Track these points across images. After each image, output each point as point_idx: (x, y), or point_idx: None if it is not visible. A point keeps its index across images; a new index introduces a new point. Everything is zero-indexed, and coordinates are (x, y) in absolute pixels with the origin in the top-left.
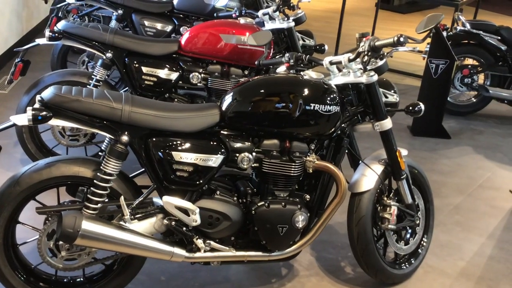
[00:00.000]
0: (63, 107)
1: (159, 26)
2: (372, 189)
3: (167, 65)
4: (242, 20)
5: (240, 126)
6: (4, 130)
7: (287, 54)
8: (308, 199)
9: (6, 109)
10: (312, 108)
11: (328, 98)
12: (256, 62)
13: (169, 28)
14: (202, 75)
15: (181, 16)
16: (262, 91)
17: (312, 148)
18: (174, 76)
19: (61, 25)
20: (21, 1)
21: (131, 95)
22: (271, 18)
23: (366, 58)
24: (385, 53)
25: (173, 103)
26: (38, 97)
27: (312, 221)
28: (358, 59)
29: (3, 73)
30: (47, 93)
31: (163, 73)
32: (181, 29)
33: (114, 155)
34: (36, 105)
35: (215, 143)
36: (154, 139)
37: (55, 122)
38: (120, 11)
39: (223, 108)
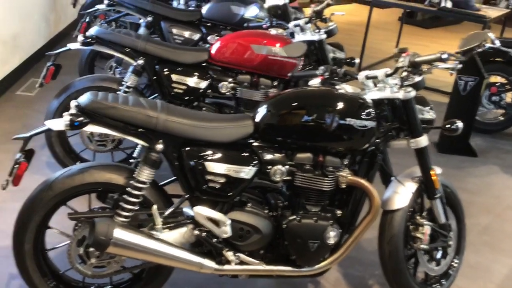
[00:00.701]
0: (99, 113)
1: (187, 34)
2: (405, 207)
3: (197, 74)
4: (273, 31)
5: (273, 138)
6: (39, 134)
7: (321, 67)
8: (339, 215)
9: (33, 112)
10: (347, 122)
11: (364, 113)
12: (289, 74)
13: (196, 36)
14: (231, 84)
15: (209, 25)
16: (297, 103)
17: (345, 163)
18: (203, 84)
19: (93, 30)
20: (49, 5)
21: (166, 104)
22: (302, 30)
23: (404, 73)
24: (424, 70)
25: (206, 113)
26: (74, 103)
27: (343, 238)
28: (395, 74)
29: (29, 75)
30: (84, 99)
31: (192, 81)
32: (208, 38)
33: (148, 163)
34: (73, 111)
35: (248, 155)
36: (187, 148)
37: (91, 128)
38: (149, 18)
39: (257, 119)
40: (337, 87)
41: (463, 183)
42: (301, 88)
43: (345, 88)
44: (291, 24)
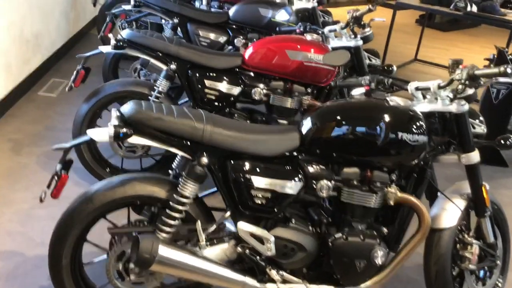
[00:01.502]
0: (144, 124)
1: (213, 36)
2: (454, 226)
3: (229, 79)
4: (308, 37)
5: (320, 152)
6: (80, 145)
7: (367, 77)
8: (385, 233)
9: (56, 114)
10: (398, 137)
11: (416, 127)
12: (332, 83)
13: (223, 39)
14: (264, 91)
15: (235, 28)
16: (346, 116)
17: (394, 178)
18: (236, 91)
19: (125, 34)
20: (70, 3)
21: (211, 115)
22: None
23: (460, 86)
24: (482, 82)
25: (252, 124)
26: (116, 112)
27: (389, 256)
28: (448, 87)
29: (50, 75)
30: (128, 109)
31: (225, 87)
32: (235, 40)
33: (192, 177)
34: (116, 121)
35: (293, 169)
36: (232, 161)
37: (134, 140)
38: (175, 20)
39: (303, 132)
40: (388, 98)
41: (496, 195)
42: (350, 100)
43: (396, 100)
44: (326, 29)
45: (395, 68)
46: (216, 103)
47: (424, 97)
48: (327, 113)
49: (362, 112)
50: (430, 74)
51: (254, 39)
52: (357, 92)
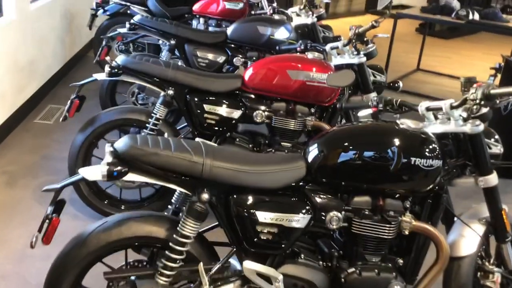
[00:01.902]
0: (140, 160)
1: (211, 56)
2: (474, 254)
3: (229, 103)
4: (309, 55)
5: (328, 180)
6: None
7: (374, 97)
8: (401, 264)
9: (53, 142)
10: (412, 162)
11: (429, 151)
12: (337, 104)
13: (222, 59)
14: (266, 113)
15: (234, 47)
16: (355, 141)
17: (407, 206)
18: (236, 114)
19: (120, 60)
20: (65, 28)
21: (211, 146)
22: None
23: (475, 107)
24: (498, 102)
25: (254, 154)
26: (110, 148)
27: None
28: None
29: (47, 102)
30: (122, 145)
31: (225, 111)
32: (234, 59)
33: (192, 215)
34: (109, 158)
35: (300, 201)
36: (235, 196)
37: (130, 177)
38: (172, 42)
39: (309, 160)
40: (398, 121)
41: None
42: (358, 123)
43: (407, 122)
44: (327, 47)
45: (401, 84)
46: (217, 128)
47: (436, 117)
48: (334, 139)
49: (372, 137)
50: (434, 84)
51: (254, 58)
52: (364, 114)
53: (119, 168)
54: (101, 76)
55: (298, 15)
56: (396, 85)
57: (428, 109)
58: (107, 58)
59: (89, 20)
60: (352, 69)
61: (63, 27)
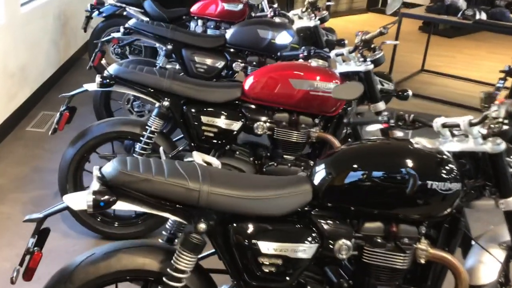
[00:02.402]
0: (129, 188)
1: (210, 61)
2: (494, 282)
3: (229, 114)
4: (313, 63)
5: (336, 205)
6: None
7: (385, 113)
8: None
9: (45, 152)
10: (429, 186)
11: (447, 173)
12: (345, 120)
13: (221, 64)
14: (267, 124)
15: (233, 51)
16: (366, 162)
17: (423, 231)
18: (236, 126)
19: (112, 69)
20: (59, 30)
21: (208, 169)
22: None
23: (498, 125)
24: None
25: (255, 176)
26: (97, 173)
27: None
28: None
29: (39, 108)
30: (110, 170)
31: (224, 122)
32: (234, 65)
33: (188, 248)
34: (96, 185)
35: (306, 228)
36: (235, 224)
37: (119, 206)
38: (169, 46)
39: (316, 182)
40: (411, 140)
41: None
42: (369, 142)
43: (422, 141)
44: (332, 54)
45: (410, 93)
46: (215, 140)
47: (452, 134)
48: (344, 159)
49: (385, 157)
50: (439, 85)
51: (254, 63)
52: (373, 128)
53: (106, 197)
54: (92, 87)
55: (300, 17)
56: (405, 94)
57: (444, 125)
58: (103, 62)
59: (84, 22)
60: (359, 77)
61: (57, 29)
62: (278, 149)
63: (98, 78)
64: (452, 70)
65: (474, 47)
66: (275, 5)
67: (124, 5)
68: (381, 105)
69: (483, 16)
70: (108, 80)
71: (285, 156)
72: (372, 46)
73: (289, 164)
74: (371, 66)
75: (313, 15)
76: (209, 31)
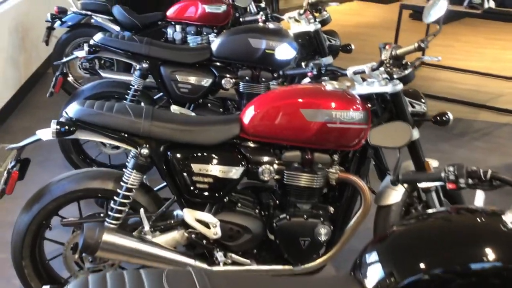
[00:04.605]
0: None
1: (194, 79)
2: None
3: (226, 158)
4: (328, 86)
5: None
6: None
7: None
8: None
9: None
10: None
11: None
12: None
13: (208, 81)
14: (275, 167)
15: (221, 65)
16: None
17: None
18: (236, 173)
19: (72, 111)
20: (17, 45)
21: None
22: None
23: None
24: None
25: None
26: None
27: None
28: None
29: (4, 131)
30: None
31: (221, 170)
32: (222, 81)
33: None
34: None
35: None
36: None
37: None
38: (145, 65)
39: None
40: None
41: None
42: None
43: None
44: (349, 71)
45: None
46: (210, 193)
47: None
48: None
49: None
50: (442, 80)
51: (246, 78)
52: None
53: (66, 127)
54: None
55: (297, 20)
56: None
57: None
58: (70, 79)
59: (45, 35)
60: (384, 99)
61: (15, 44)
62: (289, 197)
63: (53, 125)
64: (452, 61)
65: (471, 33)
66: (262, 4)
67: (89, 13)
68: (415, 134)
69: (492, 4)
70: (67, 127)
71: (298, 205)
72: (404, 62)
73: (305, 216)
74: (400, 86)
75: (312, 18)
76: (189, 38)
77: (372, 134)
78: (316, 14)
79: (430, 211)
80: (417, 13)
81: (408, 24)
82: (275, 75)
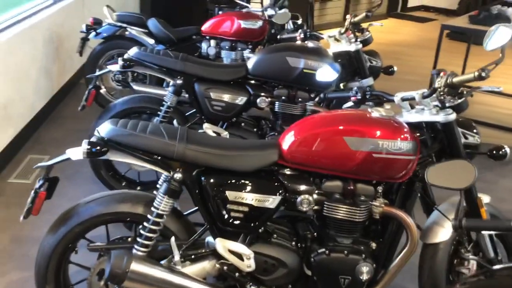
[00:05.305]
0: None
1: (228, 97)
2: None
3: (263, 187)
4: (375, 112)
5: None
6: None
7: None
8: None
9: None
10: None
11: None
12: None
13: (242, 99)
14: (315, 197)
15: (257, 84)
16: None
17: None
18: (273, 202)
19: (104, 131)
20: (51, 56)
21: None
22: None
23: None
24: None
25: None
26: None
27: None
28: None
29: (26, 151)
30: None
31: (257, 199)
32: (258, 100)
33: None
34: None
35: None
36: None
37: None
38: (179, 81)
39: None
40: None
41: None
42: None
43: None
44: (397, 98)
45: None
46: (245, 223)
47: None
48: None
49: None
50: (482, 104)
51: (283, 97)
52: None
53: (98, 147)
54: (77, 155)
55: (337, 40)
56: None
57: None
58: (103, 91)
59: (79, 45)
60: (434, 128)
61: (48, 54)
62: (328, 229)
63: (84, 145)
64: (492, 84)
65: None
66: (299, 21)
67: (124, 25)
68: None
69: None
70: (98, 148)
71: (338, 239)
72: (460, 91)
73: (346, 252)
74: (453, 116)
75: (353, 37)
76: (224, 53)
77: (430, 173)
78: (358, 34)
79: (496, 267)
80: (455, 33)
81: (446, 44)
82: (312, 95)
